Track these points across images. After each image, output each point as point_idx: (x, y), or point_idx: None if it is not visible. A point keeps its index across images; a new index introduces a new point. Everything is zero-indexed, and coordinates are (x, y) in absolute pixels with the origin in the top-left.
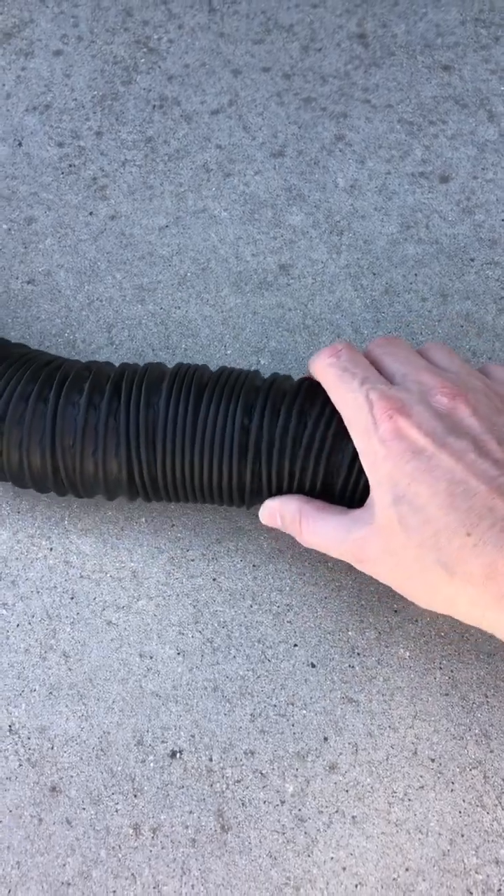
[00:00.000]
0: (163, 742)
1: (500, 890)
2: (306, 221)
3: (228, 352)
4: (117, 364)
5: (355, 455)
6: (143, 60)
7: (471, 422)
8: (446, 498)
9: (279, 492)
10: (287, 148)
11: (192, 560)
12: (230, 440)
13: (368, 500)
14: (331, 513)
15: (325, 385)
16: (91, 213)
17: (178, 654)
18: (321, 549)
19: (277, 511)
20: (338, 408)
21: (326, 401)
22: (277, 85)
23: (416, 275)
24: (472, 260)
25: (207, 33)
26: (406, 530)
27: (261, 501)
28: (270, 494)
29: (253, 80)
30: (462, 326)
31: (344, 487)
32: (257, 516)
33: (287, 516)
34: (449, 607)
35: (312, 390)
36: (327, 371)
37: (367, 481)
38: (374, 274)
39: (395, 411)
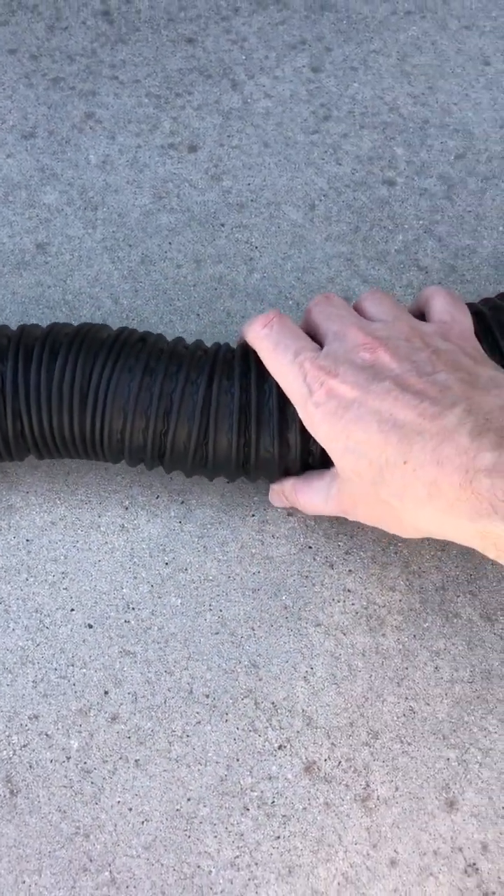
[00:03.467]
0: None
1: (273, 802)
2: (61, 199)
3: None
4: None
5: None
6: None
7: (392, 366)
8: (380, 436)
9: (42, 437)
10: (38, 129)
11: None
12: None
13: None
14: (316, 477)
15: (260, 354)
16: None
17: None
18: (320, 513)
19: (280, 491)
20: (275, 378)
21: (73, 339)
22: (25, 66)
23: (170, 243)
24: (223, 225)
25: None
26: (359, 476)
27: (28, 452)
28: (34, 441)
29: (0, 63)
30: (216, 289)
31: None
32: (27, 492)
33: (287, 494)
34: (419, 532)
35: (60, 331)
36: (261, 342)
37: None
38: (130, 245)
39: (325, 376)
